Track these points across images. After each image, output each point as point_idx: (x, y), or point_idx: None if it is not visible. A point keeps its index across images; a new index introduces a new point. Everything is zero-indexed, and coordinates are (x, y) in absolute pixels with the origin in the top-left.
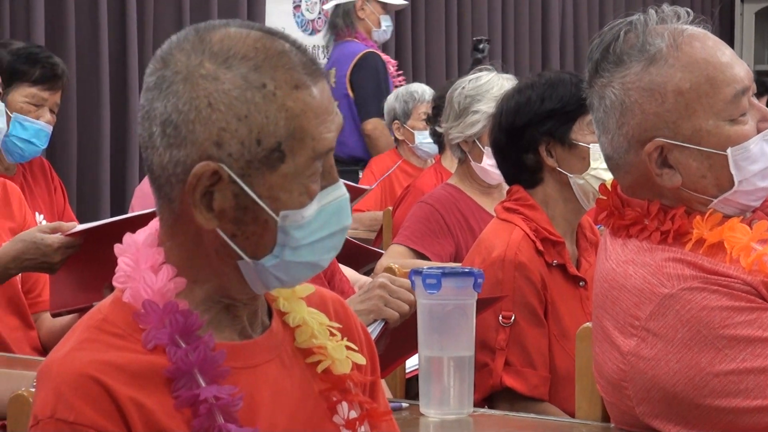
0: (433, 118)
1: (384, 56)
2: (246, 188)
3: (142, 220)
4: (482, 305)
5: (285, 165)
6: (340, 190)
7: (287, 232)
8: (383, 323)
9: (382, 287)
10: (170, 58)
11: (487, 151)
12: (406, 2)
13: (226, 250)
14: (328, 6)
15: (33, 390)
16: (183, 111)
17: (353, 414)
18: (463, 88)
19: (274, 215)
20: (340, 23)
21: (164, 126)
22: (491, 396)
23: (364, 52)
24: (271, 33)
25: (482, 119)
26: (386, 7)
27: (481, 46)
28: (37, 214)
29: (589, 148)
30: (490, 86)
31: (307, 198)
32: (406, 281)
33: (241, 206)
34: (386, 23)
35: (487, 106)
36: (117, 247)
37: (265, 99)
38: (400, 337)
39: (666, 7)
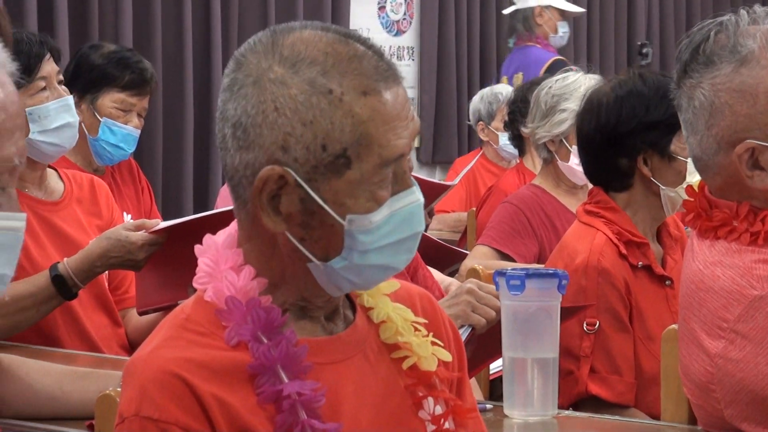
0: (510, 123)
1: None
2: (312, 193)
3: (223, 217)
4: (567, 314)
5: (351, 171)
6: (413, 195)
7: (354, 236)
8: (470, 329)
9: (469, 293)
10: (243, 60)
11: (575, 150)
12: (583, 10)
13: (297, 253)
14: (508, 11)
15: (120, 390)
16: (251, 114)
17: (439, 410)
18: (550, 87)
19: (340, 220)
20: (520, 28)
21: (235, 128)
22: (577, 403)
23: (554, 59)
24: (346, 36)
25: (570, 118)
26: (564, 14)
27: (644, 50)
28: (124, 213)
29: (687, 162)
30: (577, 85)
31: (374, 204)
32: (494, 287)
33: (308, 210)
34: (563, 29)
35: (574, 105)
36: (197, 248)
37: (331, 105)
38: (485, 341)
39: (758, 8)
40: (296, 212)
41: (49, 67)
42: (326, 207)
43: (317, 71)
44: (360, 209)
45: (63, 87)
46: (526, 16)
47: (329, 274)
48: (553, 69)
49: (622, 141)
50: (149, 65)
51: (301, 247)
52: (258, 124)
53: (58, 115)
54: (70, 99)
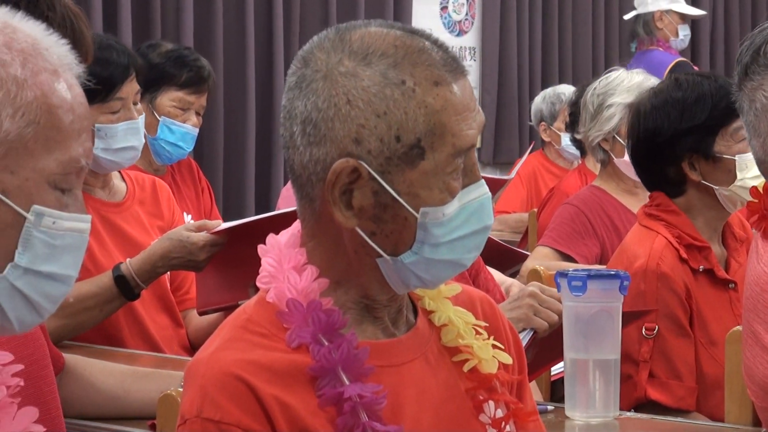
0: (571, 124)
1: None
2: (385, 185)
3: (285, 219)
4: (629, 318)
5: (425, 161)
6: (482, 188)
7: (427, 228)
8: (532, 332)
9: (531, 296)
10: (311, 57)
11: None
12: (704, 12)
13: (366, 249)
14: (628, 16)
15: (181, 389)
16: (322, 109)
17: (500, 413)
18: (594, 89)
19: (414, 212)
20: (641, 32)
21: (304, 124)
22: (636, 408)
23: (677, 61)
24: (411, 32)
25: (618, 111)
26: (684, 18)
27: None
28: (185, 213)
29: (735, 160)
30: (620, 80)
31: (447, 195)
32: (556, 291)
33: (381, 204)
34: (684, 32)
35: (620, 98)
36: (260, 248)
37: (405, 95)
38: (547, 345)
39: None
40: (368, 206)
41: (129, 88)
42: (400, 199)
43: (389, 63)
44: (434, 201)
45: (138, 107)
46: (647, 20)
47: (398, 270)
48: (677, 71)
49: (663, 150)
50: (206, 63)
51: (371, 242)
52: (330, 117)
53: (124, 137)
54: (140, 122)
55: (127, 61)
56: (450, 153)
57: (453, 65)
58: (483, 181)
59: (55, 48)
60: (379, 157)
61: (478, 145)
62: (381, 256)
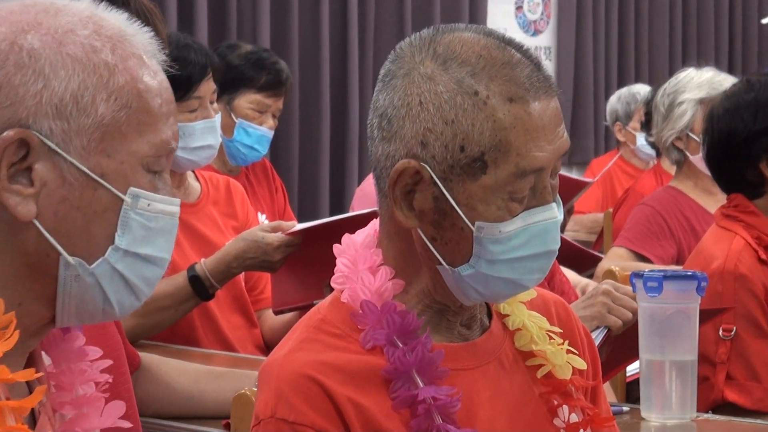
0: (646, 123)
1: None
2: (445, 192)
3: (360, 220)
4: (704, 316)
5: (486, 176)
6: (550, 212)
7: (482, 243)
8: (606, 330)
9: (605, 294)
10: (401, 52)
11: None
12: None
13: (428, 252)
14: (766, 20)
15: (255, 389)
16: (397, 106)
17: (574, 418)
18: (664, 89)
19: (470, 224)
20: None
21: (381, 119)
22: (713, 410)
23: None
24: (506, 43)
25: (689, 108)
26: None
27: None
28: (259, 213)
29: None
30: (690, 77)
31: (506, 214)
32: (630, 289)
33: (440, 210)
34: None
35: (691, 95)
36: (336, 248)
37: (475, 106)
38: (621, 344)
39: None
40: (429, 210)
41: (206, 87)
42: (458, 209)
43: (467, 72)
44: (490, 217)
45: (215, 106)
46: None
47: (457, 281)
48: None
49: (739, 152)
50: (285, 66)
51: (431, 247)
52: (402, 116)
53: (202, 135)
54: (217, 120)
55: (205, 60)
56: (512, 172)
57: (539, 84)
58: (553, 205)
59: (139, 35)
60: (442, 164)
61: None
62: (441, 264)
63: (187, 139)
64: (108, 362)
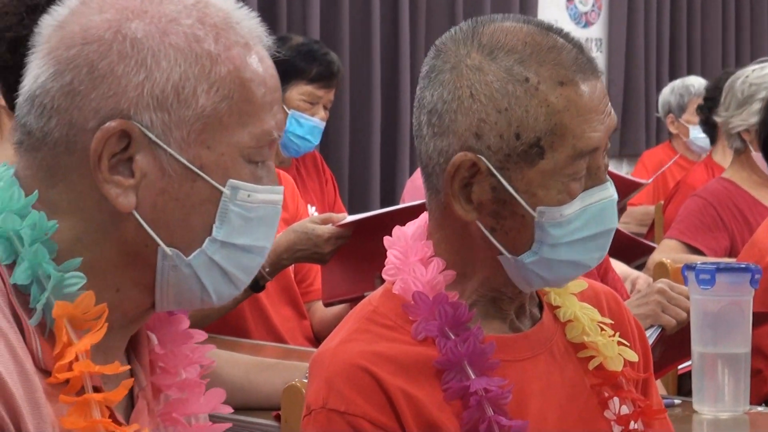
0: (706, 109)
1: None
2: (503, 182)
3: (411, 212)
4: (760, 320)
5: (544, 161)
6: (607, 191)
7: (544, 228)
8: (660, 329)
9: (660, 293)
10: (443, 47)
11: None
12: None
13: (488, 243)
14: None
15: (305, 381)
16: (447, 100)
17: (625, 410)
18: (747, 76)
19: (531, 211)
20: None
21: (430, 115)
22: (766, 403)
23: None
24: (546, 29)
25: None
26: None
27: None
28: (309, 205)
29: None
30: None
31: (566, 196)
32: (685, 288)
33: (499, 200)
34: None
35: None
36: (387, 240)
37: (527, 93)
38: (675, 343)
39: None
40: (487, 201)
41: None
42: (517, 197)
43: (515, 59)
44: (551, 201)
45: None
46: None
47: (519, 269)
48: None
49: None
50: (336, 58)
51: (491, 238)
52: (453, 110)
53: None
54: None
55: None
56: (570, 154)
57: (585, 66)
58: (609, 183)
59: (246, 21)
60: (499, 154)
61: None
62: (502, 253)
63: None
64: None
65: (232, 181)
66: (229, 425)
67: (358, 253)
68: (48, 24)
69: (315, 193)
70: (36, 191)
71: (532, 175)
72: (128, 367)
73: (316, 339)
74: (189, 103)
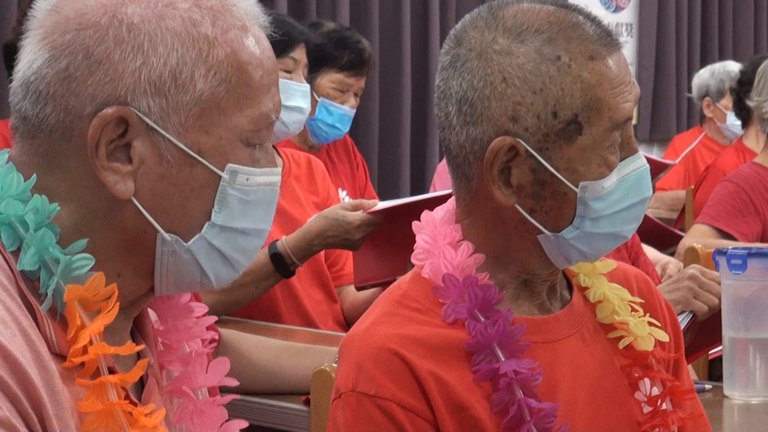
0: (740, 92)
1: None
2: (544, 162)
3: (441, 201)
4: None
5: (582, 137)
6: (640, 160)
7: (586, 203)
8: (691, 315)
9: (692, 279)
10: (464, 36)
11: None
12: None
13: (526, 225)
14: None
15: (335, 365)
16: (478, 87)
17: (655, 391)
18: None
19: (573, 187)
20: None
21: (460, 104)
22: None
23: None
24: (564, 6)
25: None
26: None
27: None
28: (339, 190)
29: None
30: None
31: (606, 169)
32: (717, 274)
33: (539, 181)
34: None
35: None
36: (415, 224)
37: (560, 71)
38: (706, 328)
39: None
40: (527, 183)
41: (302, 53)
42: (559, 175)
43: (543, 39)
44: (593, 175)
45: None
46: None
47: (560, 245)
48: None
49: None
50: (368, 45)
51: (531, 219)
52: (486, 96)
53: (295, 95)
54: (308, 89)
55: (300, 29)
56: (607, 127)
57: (607, 39)
58: (640, 153)
59: (242, 2)
60: (537, 134)
61: (635, 121)
62: (542, 233)
63: (282, 95)
64: (213, 318)
65: (230, 165)
66: (235, 396)
67: (389, 239)
68: (42, 7)
69: (346, 177)
70: (34, 175)
71: (572, 152)
72: (143, 346)
73: (347, 323)
74: (186, 87)
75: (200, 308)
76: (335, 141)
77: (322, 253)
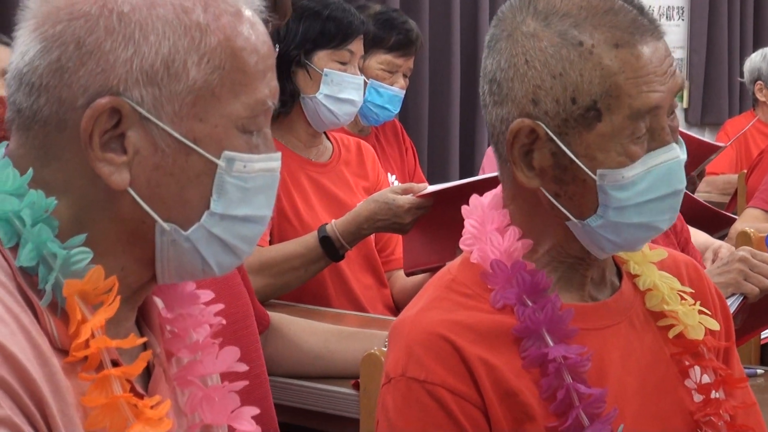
0: None
1: None
2: (562, 146)
3: (491, 183)
4: None
5: (602, 124)
6: (672, 152)
7: (606, 192)
8: (742, 298)
9: (742, 261)
10: (501, 16)
11: None
12: None
13: (555, 210)
14: None
15: (384, 349)
16: (504, 68)
17: (706, 379)
18: None
19: (591, 174)
20: None
21: (491, 84)
22: None
23: None
24: None
25: None
26: None
27: None
28: (389, 174)
29: None
30: None
31: (626, 159)
32: (767, 255)
33: (560, 165)
34: None
35: None
36: (464, 209)
37: (581, 57)
38: (757, 310)
39: None
40: (549, 167)
41: (359, 45)
42: (577, 161)
43: (569, 24)
44: (611, 163)
45: (362, 74)
46: None
47: (588, 233)
48: None
49: None
50: (415, 25)
51: (557, 204)
52: (510, 77)
53: (349, 87)
54: (362, 82)
55: (362, 20)
56: (627, 115)
57: (645, 27)
58: (674, 145)
59: None
60: (556, 119)
61: (685, 105)
62: (569, 219)
63: (335, 87)
64: (220, 306)
65: (227, 153)
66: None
67: (439, 223)
68: None
69: (395, 162)
70: (31, 170)
71: (591, 139)
72: (145, 339)
73: (397, 308)
74: (180, 76)
75: (206, 295)
76: (384, 125)
77: (372, 237)
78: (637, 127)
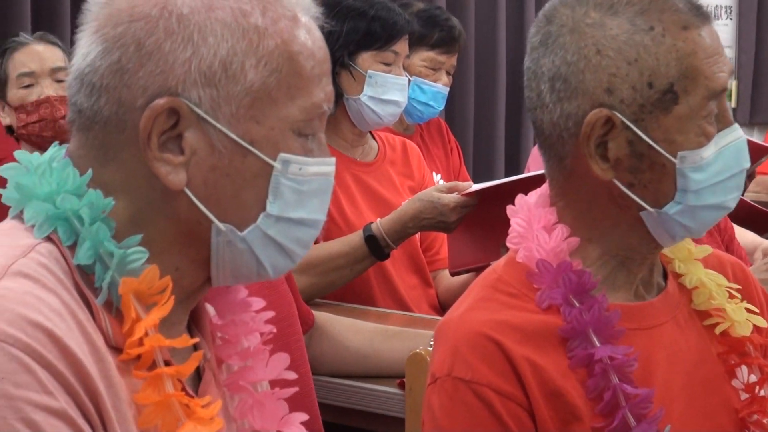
0: None
1: None
2: (640, 133)
3: (536, 181)
4: None
5: (679, 106)
6: (736, 132)
7: (686, 175)
8: None
9: None
10: (554, 13)
11: None
12: None
13: (626, 201)
14: None
15: (430, 349)
16: (572, 62)
17: (753, 378)
18: None
19: (671, 158)
20: None
21: (553, 81)
22: None
23: None
24: None
25: None
26: None
27: None
28: (434, 173)
29: None
30: None
31: (704, 139)
32: None
33: (637, 153)
34: None
35: None
36: (510, 209)
37: (654, 41)
38: None
39: None
40: (624, 156)
41: (403, 46)
42: (656, 146)
43: (635, 11)
44: (691, 144)
45: (405, 72)
46: None
47: (663, 222)
48: None
49: None
50: (457, 23)
51: (631, 194)
52: (580, 70)
53: (393, 89)
54: (406, 82)
55: (407, 20)
56: (704, 96)
57: (698, 11)
58: (736, 125)
59: None
60: (632, 105)
61: (734, 105)
62: (644, 209)
63: (379, 89)
64: (271, 313)
65: (282, 155)
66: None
67: (484, 222)
68: (96, 1)
69: (440, 161)
70: (90, 170)
71: (669, 122)
72: (197, 339)
73: (442, 307)
74: (237, 78)
75: (258, 302)
76: (429, 125)
77: (417, 237)
78: (710, 107)
